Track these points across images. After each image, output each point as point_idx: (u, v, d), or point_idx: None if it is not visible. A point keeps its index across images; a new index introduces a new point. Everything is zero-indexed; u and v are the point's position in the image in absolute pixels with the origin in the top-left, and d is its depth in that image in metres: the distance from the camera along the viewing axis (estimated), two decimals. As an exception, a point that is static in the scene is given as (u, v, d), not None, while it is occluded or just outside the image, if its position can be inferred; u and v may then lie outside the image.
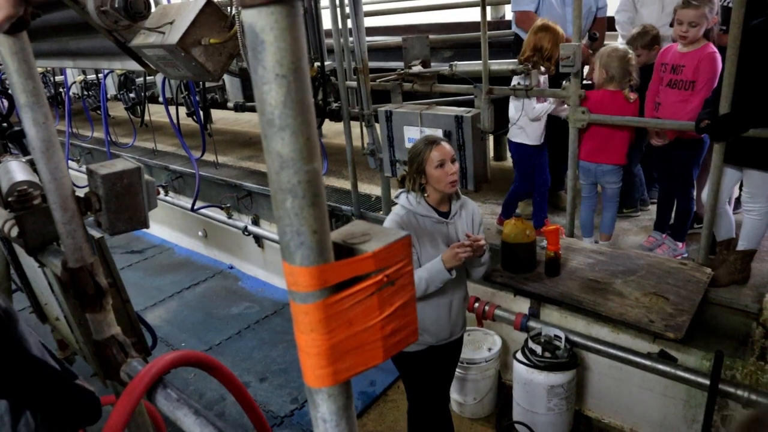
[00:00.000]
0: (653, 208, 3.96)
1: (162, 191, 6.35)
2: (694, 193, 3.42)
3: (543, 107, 3.61)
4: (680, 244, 3.45)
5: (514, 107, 3.73)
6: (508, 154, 5.70)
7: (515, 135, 3.79)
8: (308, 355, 0.62)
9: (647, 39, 3.58)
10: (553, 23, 3.52)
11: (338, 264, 0.59)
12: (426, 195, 2.50)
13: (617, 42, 4.09)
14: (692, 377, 2.87)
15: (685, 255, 3.42)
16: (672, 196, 3.52)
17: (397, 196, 2.60)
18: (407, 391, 2.85)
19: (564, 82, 3.31)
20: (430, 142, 2.45)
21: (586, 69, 3.96)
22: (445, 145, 2.45)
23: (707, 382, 2.78)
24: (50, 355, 1.85)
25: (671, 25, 3.31)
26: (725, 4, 3.33)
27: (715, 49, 3.12)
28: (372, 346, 0.64)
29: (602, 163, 3.50)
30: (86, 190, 1.34)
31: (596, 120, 3.30)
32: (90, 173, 1.26)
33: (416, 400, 2.82)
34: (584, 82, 3.90)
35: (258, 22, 0.50)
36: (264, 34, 0.50)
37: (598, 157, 3.49)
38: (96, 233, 1.64)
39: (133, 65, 2.51)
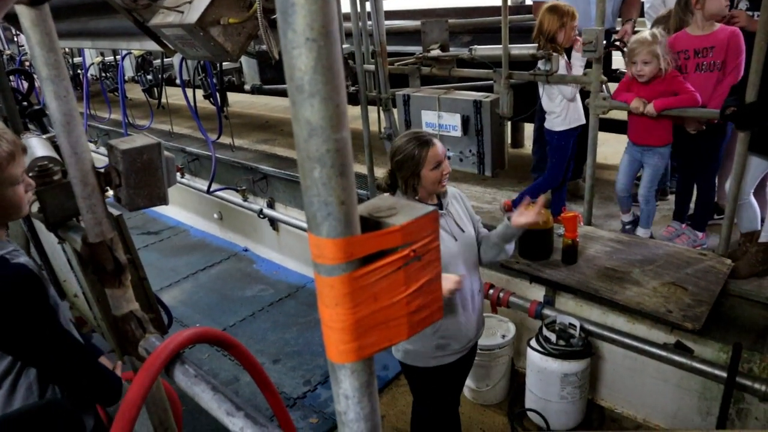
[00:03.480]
0: (672, 198, 3.90)
1: (178, 173, 6.39)
2: (716, 182, 3.37)
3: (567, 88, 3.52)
4: (700, 234, 3.40)
5: (547, 96, 3.62)
6: (527, 142, 5.66)
7: (556, 124, 3.62)
8: (332, 329, 0.61)
9: (675, 21, 3.50)
10: (564, 4, 3.42)
11: (365, 237, 0.58)
12: (417, 196, 2.36)
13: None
14: (709, 369, 2.84)
15: (705, 245, 3.38)
16: (691, 184, 3.46)
17: None
18: (416, 397, 2.71)
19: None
20: (424, 143, 2.25)
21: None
22: (438, 143, 2.29)
23: (724, 374, 2.75)
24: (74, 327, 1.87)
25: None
26: None
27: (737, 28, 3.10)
28: (397, 322, 0.63)
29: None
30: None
31: (616, 107, 3.26)
32: (110, 148, 1.25)
33: (426, 407, 2.69)
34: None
35: (289, -17, 0.48)
36: (295, -5, 0.48)
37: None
38: (114, 211, 1.64)
39: (151, 45, 2.51)
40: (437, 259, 0.65)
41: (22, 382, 1.57)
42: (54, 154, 1.80)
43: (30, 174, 1.53)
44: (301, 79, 0.51)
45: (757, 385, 2.69)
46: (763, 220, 3.03)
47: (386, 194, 2.28)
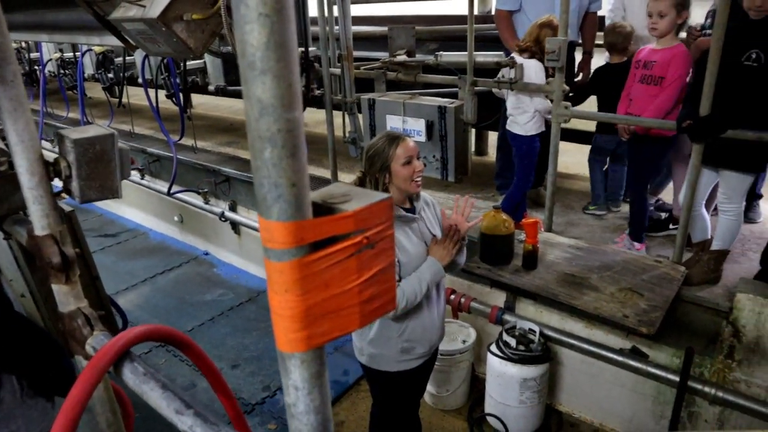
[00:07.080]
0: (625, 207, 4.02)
1: (138, 174, 6.23)
2: (646, 193, 3.52)
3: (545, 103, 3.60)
4: (637, 245, 3.47)
5: (514, 103, 3.69)
6: (490, 150, 5.73)
7: (525, 128, 3.68)
8: (281, 317, 0.59)
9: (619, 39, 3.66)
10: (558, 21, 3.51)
11: (316, 221, 0.56)
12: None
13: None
14: (662, 374, 2.91)
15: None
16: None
17: None
18: (377, 402, 2.69)
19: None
20: (394, 138, 2.27)
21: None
22: (410, 141, 2.28)
23: (677, 378, 2.81)
24: None
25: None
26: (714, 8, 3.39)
27: (686, 50, 3.21)
28: (348, 311, 0.62)
29: None
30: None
31: (578, 114, 3.34)
32: (60, 138, 1.21)
33: (386, 411, 2.67)
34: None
35: (241, -45, 0.47)
36: (247, -33, 0.47)
37: None
38: (66, 206, 1.58)
39: (112, 40, 2.44)
40: (391, 248, 0.64)
41: None
42: (0, 145, 1.73)
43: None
44: (253, 55, 0.50)
45: (707, 389, 2.77)
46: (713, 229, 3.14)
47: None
